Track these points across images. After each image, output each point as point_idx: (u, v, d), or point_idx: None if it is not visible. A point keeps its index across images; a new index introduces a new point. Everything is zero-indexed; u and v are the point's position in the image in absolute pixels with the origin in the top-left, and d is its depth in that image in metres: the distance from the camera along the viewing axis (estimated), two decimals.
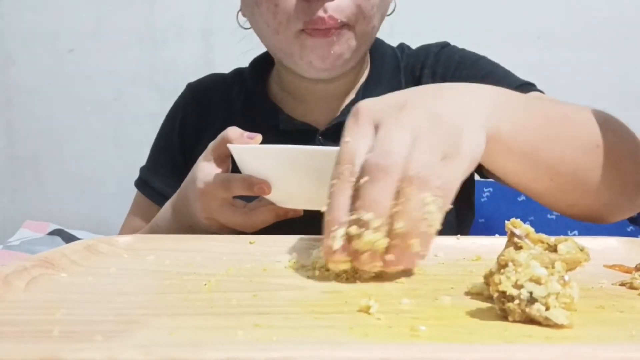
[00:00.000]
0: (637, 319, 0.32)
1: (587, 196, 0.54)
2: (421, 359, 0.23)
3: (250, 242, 0.52)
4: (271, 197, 0.57)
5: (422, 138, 0.39)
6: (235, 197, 0.60)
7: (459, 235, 0.53)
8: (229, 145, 0.58)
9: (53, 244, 1.49)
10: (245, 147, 0.57)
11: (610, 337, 0.29)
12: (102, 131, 1.78)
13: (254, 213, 0.60)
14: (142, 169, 0.83)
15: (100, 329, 0.29)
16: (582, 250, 0.35)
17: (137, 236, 0.55)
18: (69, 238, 1.54)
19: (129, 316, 0.32)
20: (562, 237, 0.36)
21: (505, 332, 0.29)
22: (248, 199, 0.61)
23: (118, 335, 0.28)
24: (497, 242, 0.51)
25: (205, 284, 0.39)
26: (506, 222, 0.37)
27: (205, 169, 0.60)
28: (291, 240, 0.52)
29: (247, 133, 0.59)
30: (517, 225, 0.36)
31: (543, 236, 0.36)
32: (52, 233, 1.60)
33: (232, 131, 0.60)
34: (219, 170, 0.60)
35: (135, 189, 0.83)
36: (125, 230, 0.81)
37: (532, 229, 0.36)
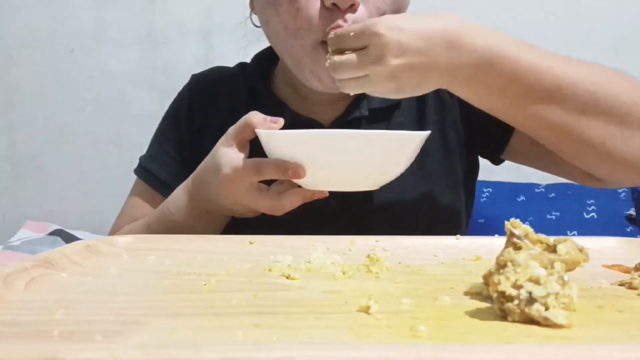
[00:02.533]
0: (637, 319, 0.32)
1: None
2: (420, 359, 0.23)
3: (251, 242, 0.52)
4: (300, 180, 0.58)
5: None
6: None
7: (458, 236, 0.53)
8: (259, 130, 0.58)
9: (54, 244, 1.49)
10: (279, 132, 0.57)
11: (609, 337, 0.29)
12: (103, 131, 1.78)
13: (283, 197, 0.60)
14: (144, 158, 0.82)
15: (100, 329, 0.29)
16: (581, 250, 0.35)
17: (137, 236, 0.55)
18: (69, 238, 1.54)
19: (129, 316, 0.32)
20: (561, 237, 0.36)
21: (504, 332, 0.29)
22: (268, 182, 0.61)
23: (118, 336, 0.28)
24: (496, 242, 0.51)
25: (205, 284, 0.39)
26: (505, 222, 0.37)
27: (229, 155, 0.60)
28: (291, 240, 0.53)
29: (269, 117, 0.60)
30: (516, 226, 0.36)
31: (542, 236, 0.36)
32: (52, 233, 1.60)
33: (255, 116, 0.60)
34: (242, 155, 0.60)
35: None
36: (123, 219, 0.79)
37: (531, 229, 0.36)
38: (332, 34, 0.56)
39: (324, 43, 0.64)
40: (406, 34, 0.52)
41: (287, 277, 0.41)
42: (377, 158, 0.55)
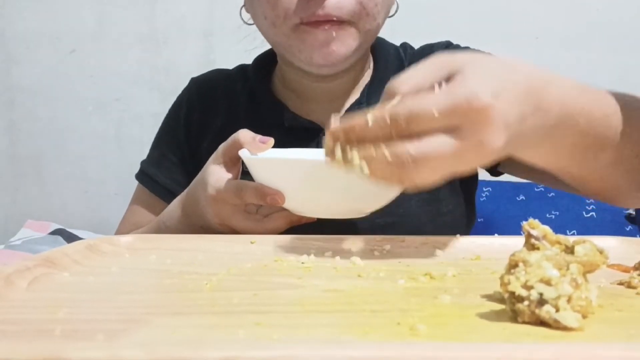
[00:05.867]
0: (636, 318, 0.32)
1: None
2: (420, 358, 0.23)
3: (252, 242, 0.52)
4: (285, 205, 0.57)
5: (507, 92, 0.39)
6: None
7: (458, 235, 0.53)
8: (241, 154, 0.57)
9: (55, 243, 1.49)
10: (258, 158, 0.56)
11: (608, 335, 0.29)
12: (104, 131, 1.78)
13: (268, 220, 0.59)
14: (144, 163, 0.82)
15: (102, 328, 0.30)
16: (601, 252, 0.34)
17: (138, 236, 0.55)
18: (70, 238, 1.55)
19: (131, 315, 0.32)
20: (581, 238, 0.34)
21: (504, 330, 0.30)
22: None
23: (120, 334, 0.29)
24: (496, 242, 0.51)
25: (207, 283, 0.39)
26: (523, 223, 0.35)
27: (216, 174, 0.60)
28: (292, 240, 0.53)
29: (259, 137, 0.58)
30: (535, 226, 0.35)
31: (561, 237, 0.35)
32: (53, 233, 1.60)
33: (244, 135, 0.59)
34: (229, 175, 0.60)
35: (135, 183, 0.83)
36: (126, 224, 0.80)
37: (549, 230, 0.35)
38: (387, 114, 0.39)
39: (302, 24, 0.65)
40: (510, 102, 0.39)
41: (288, 276, 0.41)
42: (362, 186, 0.49)
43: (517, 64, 0.43)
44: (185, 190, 0.66)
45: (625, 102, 0.50)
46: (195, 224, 0.64)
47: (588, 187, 0.56)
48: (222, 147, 0.61)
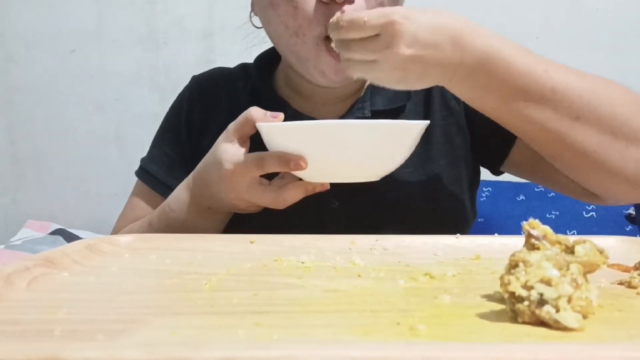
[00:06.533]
0: (636, 318, 0.32)
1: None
2: (420, 358, 0.23)
3: (251, 242, 0.52)
4: (301, 172, 0.58)
5: None
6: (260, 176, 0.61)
7: (458, 235, 0.54)
8: (259, 124, 0.58)
9: (55, 243, 1.49)
10: (279, 125, 0.58)
11: (609, 336, 0.29)
12: (104, 131, 1.78)
13: (284, 190, 0.60)
14: (145, 160, 0.82)
15: (102, 328, 0.30)
16: (601, 252, 0.34)
17: (138, 235, 0.55)
18: (70, 238, 1.55)
19: (131, 315, 0.32)
20: (581, 238, 0.34)
21: (504, 331, 0.29)
22: (269, 176, 0.61)
23: (120, 335, 0.29)
24: (496, 242, 0.51)
25: (206, 283, 0.39)
26: (523, 223, 0.35)
27: (230, 150, 0.60)
28: (291, 239, 0.53)
29: (270, 112, 0.60)
30: (535, 226, 0.35)
31: (561, 237, 0.35)
32: (53, 233, 1.60)
33: (256, 111, 0.60)
34: (243, 150, 0.61)
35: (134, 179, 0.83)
36: (124, 220, 0.80)
37: (550, 230, 0.35)
38: (344, 18, 0.56)
39: (326, 39, 0.65)
40: (419, 26, 0.53)
41: (288, 276, 0.41)
42: (378, 148, 0.56)
43: (447, 12, 0.56)
44: (191, 174, 0.67)
45: (563, 72, 0.57)
46: (204, 205, 0.65)
47: (547, 150, 0.61)
48: (232, 125, 0.62)
